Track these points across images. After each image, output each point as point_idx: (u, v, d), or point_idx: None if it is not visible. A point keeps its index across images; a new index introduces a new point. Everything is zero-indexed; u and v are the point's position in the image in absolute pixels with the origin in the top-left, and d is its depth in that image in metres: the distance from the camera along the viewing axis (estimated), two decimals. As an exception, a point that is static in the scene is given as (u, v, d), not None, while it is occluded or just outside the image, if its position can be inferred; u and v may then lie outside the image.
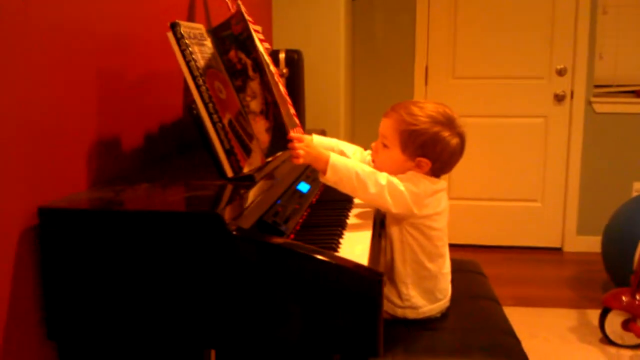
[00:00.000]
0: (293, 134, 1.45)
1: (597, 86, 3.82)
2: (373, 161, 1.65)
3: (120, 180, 1.33)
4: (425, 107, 1.55)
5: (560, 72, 3.79)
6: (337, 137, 2.87)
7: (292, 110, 2.03)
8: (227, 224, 1.04)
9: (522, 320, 2.60)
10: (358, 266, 1.06)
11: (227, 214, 1.06)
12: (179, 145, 1.76)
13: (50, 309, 1.10)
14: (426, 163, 1.52)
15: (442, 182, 1.57)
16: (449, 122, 1.53)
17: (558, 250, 3.95)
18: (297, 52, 2.71)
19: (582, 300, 3.15)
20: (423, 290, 1.57)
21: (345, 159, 1.52)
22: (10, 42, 1.02)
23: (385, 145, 1.58)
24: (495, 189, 3.89)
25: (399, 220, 1.53)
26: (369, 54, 3.92)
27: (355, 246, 1.33)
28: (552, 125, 3.85)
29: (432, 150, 1.52)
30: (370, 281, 1.04)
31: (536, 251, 3.94)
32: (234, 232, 1.03)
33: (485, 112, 3.81)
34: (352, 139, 3.54)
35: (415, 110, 1.54)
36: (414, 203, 1.49)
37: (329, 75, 3.05)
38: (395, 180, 1.49)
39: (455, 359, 1.43)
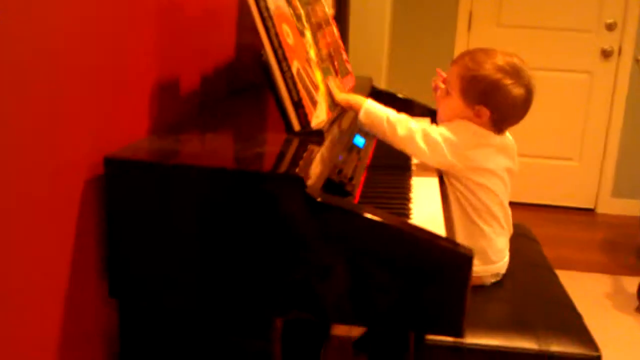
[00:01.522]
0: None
1: (647, 44, 3.64)
2: (437, 107, 1.61)
3: (182, 128, 1.24)
4: (493, 54, 1.50)
5: (610, 27, 3.60)
6: (378, 82, 2.77)
7: (345, 56, 1.92)
8: (308, 188, 0.95)
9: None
10: (448, 241, 0.98)
11: (306, 175, 0.97)
12: (231, 88, 1.66)
13: (113, 265, 1.03)
14: (485, 112, 1.47)
15: (497, 138, 1.50)
16: (514, 72, 1.46)
17: (591, 211, 3.87)
18: (345, -8, 2.57)
19: (615, 266, 3.08)
20: (474, 249, 1.50)
21: (381, 106, 1.49)
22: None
23: (448, 92, 1.54)
24: (532, 145, 3.76)
25: (446, 173, 1.48)
26: (410, -4, 3.73)
27: (427, 213, 1.25)
28: (596, 82, 3.70)
29: (492, 98, 1.46)
30: (461, 258, 0.96)
31: (568, 211, 3.85)
32: (319, 199, 0.94)
33: (529, 65, 3.64)
34: (389, 84, 3.41)
35: (481, 56, 1.50)
36: (451, 153, 1.43)
37: (373, 18, 2.90)
38: (431, 128, 1.46)
39: (517, 333, 1.37)
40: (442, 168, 1.48)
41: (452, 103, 1.52)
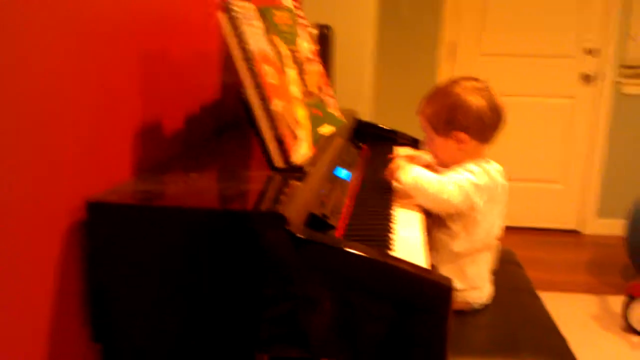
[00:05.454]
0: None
1: (626, 67, 3.72)
2: (431, 155, 1.68)
3: (165, 169, 1.27)
4: (439, 87, 1.60)
5: (589, 52, 3.69)
6: (364, 114, 2.81)
7: (331, 92, 1.96)
8: (290, 225, 0.98)
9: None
10: (428, 272, 1.01)
11: (288, 212, 1.00)
12: (216, 127, 1.70)
13: (97, 310, 1.04)
14: (462, 135, 1.54)
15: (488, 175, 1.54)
16: (465, 91, 1.53)
17: (576, 232, 3.91)
18: (328, 28, 2.62)
19: (601, 285, 3.12)
20: (459, 270, 1.55)
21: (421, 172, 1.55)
22: (51, 26, 0.95)
23: (430, 139, 1.62)
24: (516, 169, 3.81)
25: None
26: (393, 27, 3.81)
27: (408, 243, 1.28)
28: (578, 106, 3.78)
29: (458, 119, 1.53)
30: (441, 288, 0.99)
31: (553, 233, 3.90)
32: (300, 235, 0.97)
33: (511, 91, 3.72)
34: (376, 116, 3.46)
35: (432, 94, 1.61)
36: (475, 193, 1.48)
37: (357, 52, 2.95)
38: (453, 175, 1.51)
39: (502, 358, 1.39)
40: (463, 209, 1.51)
41: (436, 144, 1.60)
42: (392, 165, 1.61)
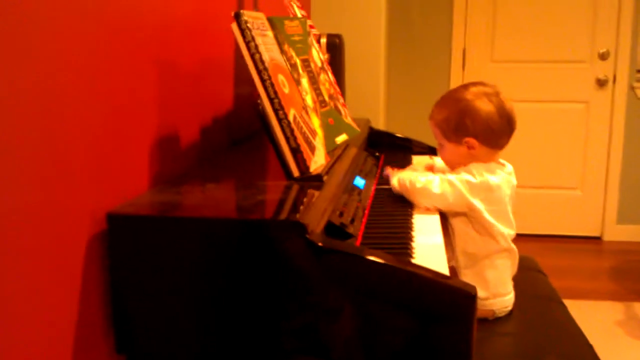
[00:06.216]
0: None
1: (640, 71, 3.70)
2: (443, 161, 1.67)
3: (183, 180, 1.27)
4: (449, 93, 1.61)
5: (603, 56, 3.66)
6: (377, 123, 2.80)
7: (342, 100, 1.95)
8: (310, 233, 0.97)
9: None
10: (451, 280, 0.99)
11: (307, 221, 0.99)
12: (230, 137, 1.69)
13: (120, 321, 1.04)
14: (472, 141, 1.53)
15: (502, 173, 1.53)
16: (474, 97, 1.52)
17: (597, 239, 3.86)
18: (339, 37, 2.62)
19: (625, 292, 3.07)
20: (479, 275, 1.52)
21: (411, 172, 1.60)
22: (68, 38, 0.95)
23: (440, 145, 1.62)
24: (533, 177, 3.78)
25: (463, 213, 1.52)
26: (403, 35, 3.81)
27: (429, 251, 1.26)
28: (593, 111, 3.74)
29: (466, 125, 1.52)
30: (465, 296, 0.96)
31: (574, 240, 3.85)
32: (320, 244, 0.96)
33: (525, 97, 3.70)
34: (387, 124, 3.45)
35: (441, 100, 1.61)
36: (470, 192, 1.47)
37: (368, 60, 2.95)
38: (448, 175, 1.52)
39: (529, 367, 1.36)
40: (464, 210, 1.50)
41: (447, 151, 1.60)
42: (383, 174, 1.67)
